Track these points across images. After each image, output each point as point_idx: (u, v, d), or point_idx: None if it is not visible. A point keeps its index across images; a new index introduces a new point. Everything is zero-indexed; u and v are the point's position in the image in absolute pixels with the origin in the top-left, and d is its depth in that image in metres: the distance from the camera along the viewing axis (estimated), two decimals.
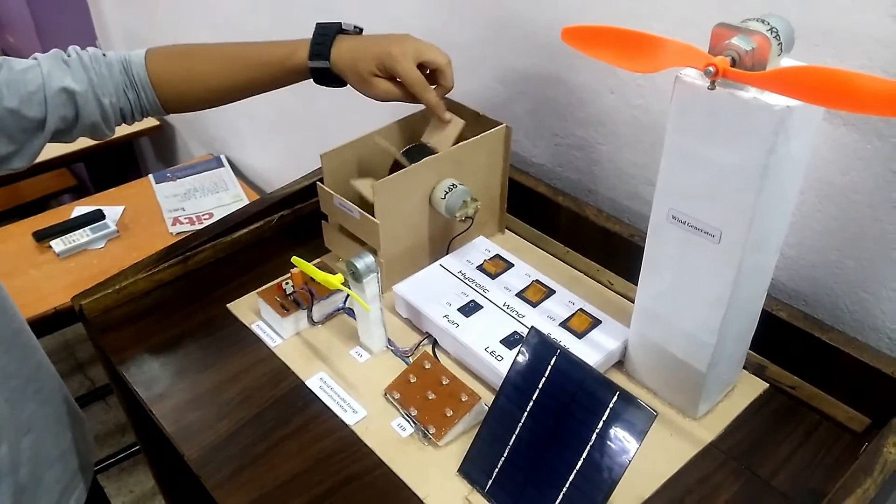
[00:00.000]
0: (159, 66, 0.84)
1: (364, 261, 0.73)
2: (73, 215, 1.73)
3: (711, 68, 0.52)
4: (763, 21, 0.53)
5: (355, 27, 0.85)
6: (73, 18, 2.30)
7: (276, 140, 1.72)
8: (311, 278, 0.82)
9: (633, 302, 0.83)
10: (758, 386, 0.75)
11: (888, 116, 0.62)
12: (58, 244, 1.62)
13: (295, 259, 0.76)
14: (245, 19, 1.57)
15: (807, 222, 0.76)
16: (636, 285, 0.85)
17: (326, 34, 0.83)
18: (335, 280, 0.73)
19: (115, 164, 2.29)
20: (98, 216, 1.71)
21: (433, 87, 0.83)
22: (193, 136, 2.12)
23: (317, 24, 0.84)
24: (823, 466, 0.68)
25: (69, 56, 0.80)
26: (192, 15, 1.79)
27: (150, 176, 1.88)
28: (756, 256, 0.62)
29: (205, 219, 1.73)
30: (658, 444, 0.68)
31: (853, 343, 0.71)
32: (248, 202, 1.78)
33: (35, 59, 0.79)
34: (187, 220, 1.73)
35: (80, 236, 1.65)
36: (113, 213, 1.74)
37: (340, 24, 0.84)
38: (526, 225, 0.97)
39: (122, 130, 2.05)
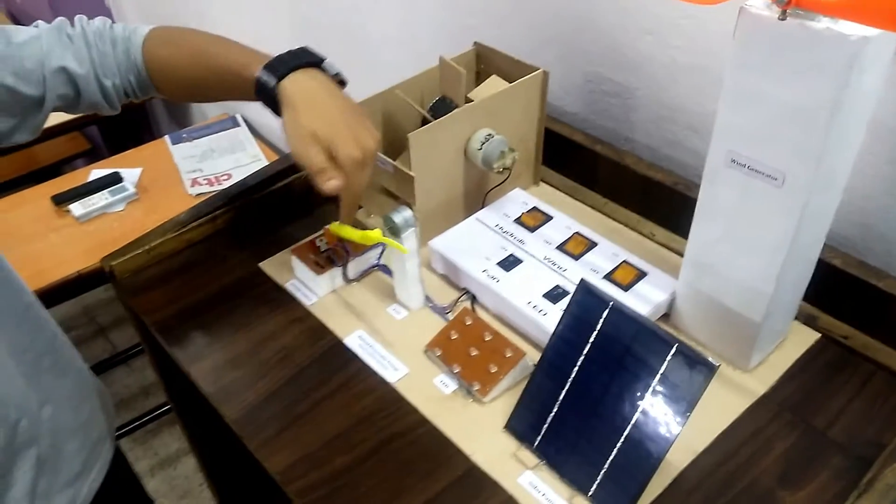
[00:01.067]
0: (152, 51, 0.78)
1: (402, 215, 0.70)
2: (89, 179, 1.71)
3: None
4: None
5: (337, 74, 0.74)
6: None
7: None
8: None
9: (677, 252, 0.81)
10: (810, 336, 0.73)
11: None
12: (77, 208, 1.61)
13: (333, 226, 0.73)
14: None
15: (859, 166, 0.73)
16: (679, 235, 0.83)
17: (299, 57, 0.72)
18: (375, 234, 0.71)
19: (128, 127, 2.26)
20: (116, 179, 1.68)
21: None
22: None
23: (302, 47, 0.75)
24: (880, 417, 0.66)
25: (74, 29, 0.75)
26: None
27: (166, 137, 1.85)
28: (820, 200, 0.59)
29: (223, 179, 1.71)
30: (710, 397, 0.65)
31: None
32: (266, 162, 1.76)
33: (37, 27, 0.74)
34: (206, 182, 1.70)
35: (100, 199, 1.63)
36: (131, 175, 1.72)
37: (324, 59, 0.74)
38: (561, 176, 0.94)
39: None
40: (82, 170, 1.77)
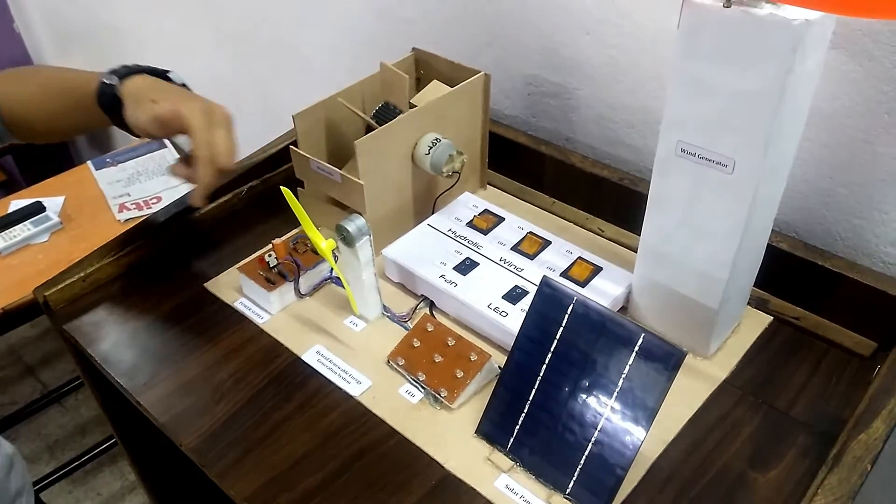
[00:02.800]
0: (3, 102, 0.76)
1: (355, 223, 0.69)
2: (9, 210, 1.62)
3: None
4: None
5: (183, 84, 0.76)
6: None
7: None
8: (295, 249, 0.78)
9: (627, 247, 0.82)
10: (763, 320, 0.74)
11: None
12: None
13: (288, 195, 0.69)
14: None
15: (797, 152, 0.76)
16: (627, 230, 0.84)
17: (141, 67, 0.74)
18: (327, 248, 0.69)
19: (47, 155, 2.16)
20: (38, 208, 1.60)
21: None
22: None
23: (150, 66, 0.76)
24: (837, 393, 0.67)
25: None
26: None
27: (89, 163, 1.78)
28: (769, 185, 0.60)
29: (153, 202, 1.64)
30: (675, 386, 0.66)
31: (856, 268, 0.71)
32: None
33: None
34: (135, 206, 1.64)
35: (21, 231, 1.54)
36: (54, 204, 1.64)
37: (167, 72, 0.75)
38: (508, 178, 0.94)
39: None
40: (0, 201, 1.68)
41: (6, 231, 1.55)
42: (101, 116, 0.74)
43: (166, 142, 1.84)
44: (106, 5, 1.78)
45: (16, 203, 1.65)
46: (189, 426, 0.67)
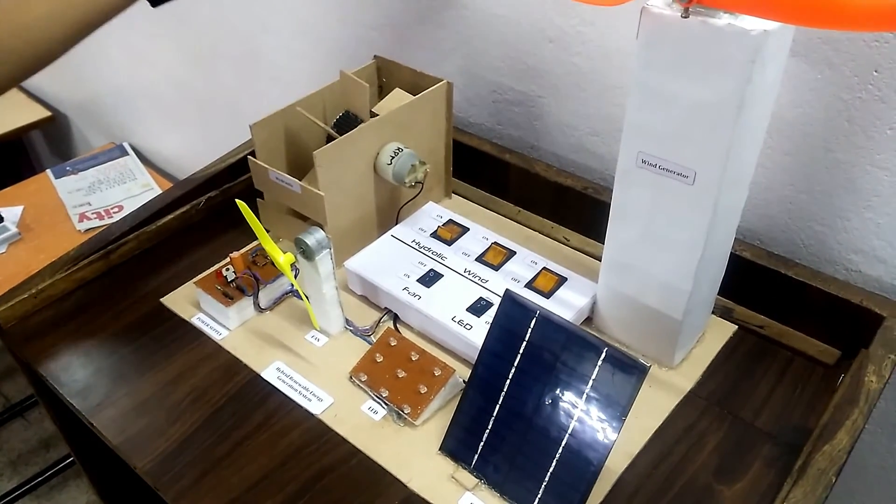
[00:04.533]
0: None
1: (315, 236, 0.67)
2: None
3: None
4: None
5: None
6: None
7: (182, 122, 1.61)
8: (254, 262, 0.76)
9: (592, 256, 0.81)
10: (727, 329, 0.74)
11: (884, 31, 0.60)
12: None
13: (243, 208, 0.67)
14: None
15: (759, 160, 0.75)
16: (593, 239, 0.83)
17: None
18: (285, 263, 0.68)
19: (4, 163, 2.10)
20: None
21: None
22: (90, 124, 1.97)
23: None
24: (802, 402, 0.67)
25: None
26: None
27: (48, 171, 1.73)
28: (730, 195, 0.60)
29: (114, 212, 1.61)
30: (640, 398, 0.65)
31: (819, 276, 0.71)
32: (160, 191, 1.67)
33: None
34: (95, 215, 1.60)
35: None
36: (11, 214, 1.59)
37: None
38: (472, 187, 0.93)
39: (10, 124, 1.90)
40: None
41: None
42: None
43: (127, 147, 1.80)
44: None
45: None
46: (144, 447, 0.65)
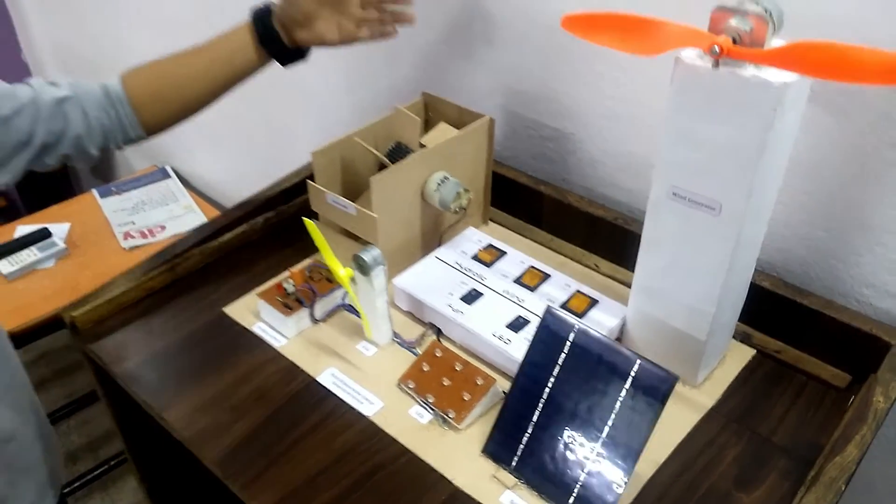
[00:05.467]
0: (134, 83, 0.84)
1: (371, 254, 0.74)
2: (15, 235, 1.66)
3: (717, 47, 0.56)
4: (756, 2, 0.58)
5: None
6: None
7: (226, 148, 1.69)
8: (310, 277, 0.83)
9: (621, 282, 0.88)
10: (746, 353, 0.80)
11: (888, 85, 0.66)
12: (4, 265, 1.56)
13: (311, 227, 0.75)
14: (178, 12, 1.54)
15: (779, 197, 0.82)
16: (621, 266, 0.89)
17: (262, 11, 0.84)
18: (345, 276, 0.74)
19: (48, 184, 2.19)
20: (45, 234, 1.64)
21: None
22: (134, 147, 2.06)
23: (250, 9, 0.85)
24: (815, 421, 0.73)
25: (55, 80, 0.82)
26: (123, 17, 1.75)
27: (94, 191, 1.82)
28: (752, 227, 0.66)
29: (157, 231, 1.69)
30: (666, 412, 0.71)
31: (832, 305, 0.77)
32: (201, 213, 1.76)
33: (24, 81, 0.80)
34: (139, 234, 1.68)
35: (28, 256, 1.58)
36: (59, 230, 1.68)
37: (269, 5, 0.85)
38: (508, 216, 1.00)
39: None
40: (5, 227, 1.71)
41: (13, 256, 1.59)
42: (248, 45, 0.84)
43: (169, 170, 1.89)
44: (115, 43, 1.84)
45: (22, 228, 1.69)
46: (211, 442, 0.71)
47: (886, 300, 0.79)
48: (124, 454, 1.77)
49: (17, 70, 2.29)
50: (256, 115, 1.52)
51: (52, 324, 1.51)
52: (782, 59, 0.54)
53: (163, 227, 1.70)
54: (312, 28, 0.83)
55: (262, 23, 0.83)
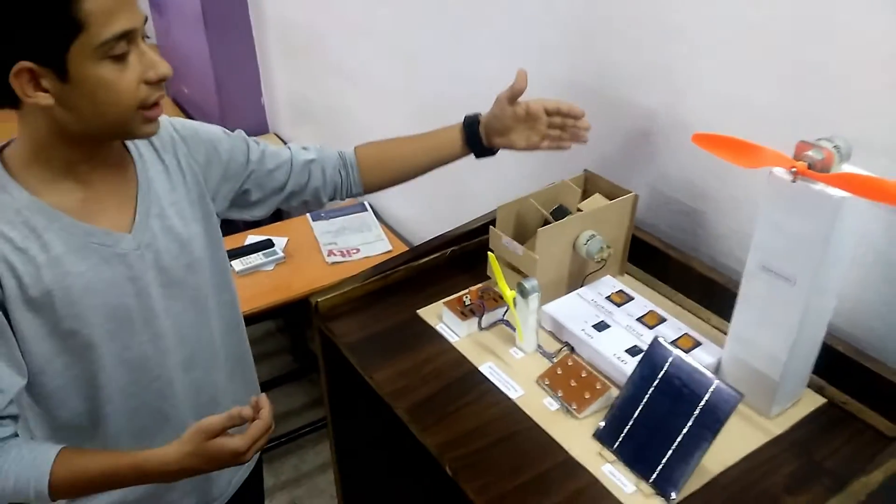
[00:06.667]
0: (364, 154, 1.22)
1: (531, 283, 1.02)
2: (247, 242, 2.10)
3: (794, 169, 0.80)
4: (830, 140, 0.81)
5: None
6: (244, 78, 2.74)
7: (413, 192, 2.05)
8: (483, 295, 1.13)
9: (725, 332, 1.10)
10: (818, 400, 1.00)
11: None
12: (237, 264, 1.99)
13: (493, 259, 1.06)
14: (389, 81, 1.92)
15: (859, 281, 1.01)
16: (726, 320, 1.12)
17: (473, 119, 1.18)
18: (510, 296, 1.03)
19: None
20: (269, 244, 2.07)
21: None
22: None
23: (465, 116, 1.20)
24: (863, 457, 0.91)
25: (306, 146, 1.20)
26: (347, 79, 2.17)
27: (308, 214, 2.25)
28: (819, 297, 0.88)
29: (353, 253, 2.07)
30: (740, 432, 0.94)
31: (892, 371, 0.95)
32: (388, 242, 2.12)
33: (286, 145, 1.19)
34: (339, 253, 2.07)
35: (255, 259, 2.01)
36: (280, 242, 2.11)
37: (478, 115, 1.18)
38: (641, 271, 1.25)
39: None
40: (240, 234, 2.17)
41: (244, 257, 2.02)
42: (456, 142, 1.18)
43: (367, 205, 2.28)
44: (344, 95, 2.27)
45: (252, 237, 2.13)
46: (403, 398, 1.01)
47: None
48: (315, 425, 2.20)
49: (256, 111, 2.82)
50: (444, 171, 1.87)
51: (265, 314, 1.92)
52: (836, 181, 0.77)
53: (357, 250, 2.09)
54: (507, 137, 1.15)
55: (471, 128, 1.17)
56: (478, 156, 1.20)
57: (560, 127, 1.15)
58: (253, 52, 2.70)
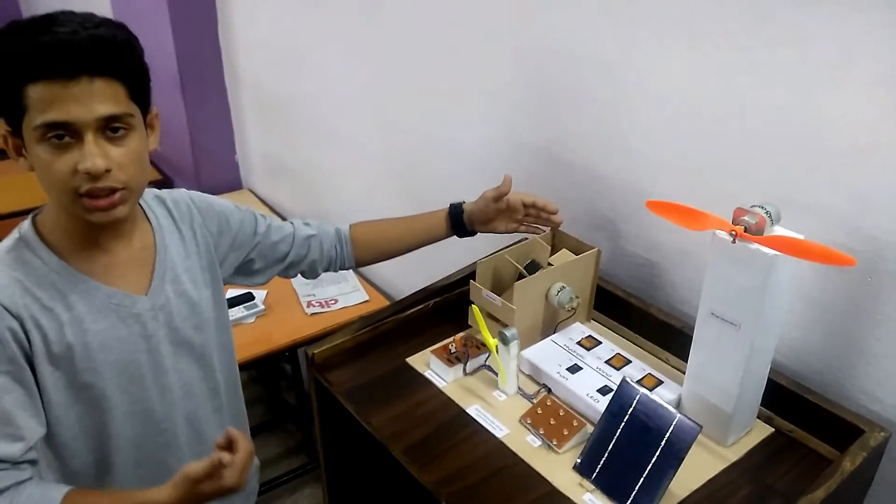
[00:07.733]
0: (358, 232, 1.35)
1: (511, 331, 1.14)
2: (227, 296, 2.18)
3: (733, 232, 0.94)
4: (762, 206, 0.96)
5: None
6: (219, 137, 2.84)
7: None
8: (466, 343, 1.25)
9: (683, 371, 1.23)
10: (767, 429, 1.13)
11: (826, 264, 1.03)
12: None
13: (476, 311, 1.17)
14: (363, 140, 2.05)
15: (798, 323, 1.16)
16: (683, 360, 1.25)
17: (457, 207, 1.34)
18: (493, 344, 1.15)
19: None
20: (249, 297, 2.15)
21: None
22: None
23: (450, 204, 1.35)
24: (808, 479, 1.04)
25: (307, 221, 1.33)
26: (317, 138, 2.30)
27: None
28: (762, 339, 1.02)
29: (332, 303, 2.17)
30: (700, 460, 1.06)
31: (829, 402, 1.09)
32: (364, 292, 2.22)
33: (289, 220, 1.32)
34: (318, 304, 2.17)
35: (237, 312, 2.09)
36: (260, 295, 2.19)
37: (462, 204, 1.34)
38: (606, 317, 1.38)
39: None
40: None
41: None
42: (441, 226, 1.34)
43: None
44: (318, 154, 2.39)
45: (232, 291, 2.21)
46: (398, 441, 1.11)
47: (875, 404, 1.11)
48: (292, 474, 2.24)
49: (230, 168, 2.92)
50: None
51: (249, 365, 1.99)
52: (768, 243, 0.92)
53: (336, 300, 2.18)
54: (489, 225, 1.32)
55: (456, 217, 1.32)
56: (461, 237, 1.36)
57: (535, 216, 1.32)
58: (227, 111, 2.81)
